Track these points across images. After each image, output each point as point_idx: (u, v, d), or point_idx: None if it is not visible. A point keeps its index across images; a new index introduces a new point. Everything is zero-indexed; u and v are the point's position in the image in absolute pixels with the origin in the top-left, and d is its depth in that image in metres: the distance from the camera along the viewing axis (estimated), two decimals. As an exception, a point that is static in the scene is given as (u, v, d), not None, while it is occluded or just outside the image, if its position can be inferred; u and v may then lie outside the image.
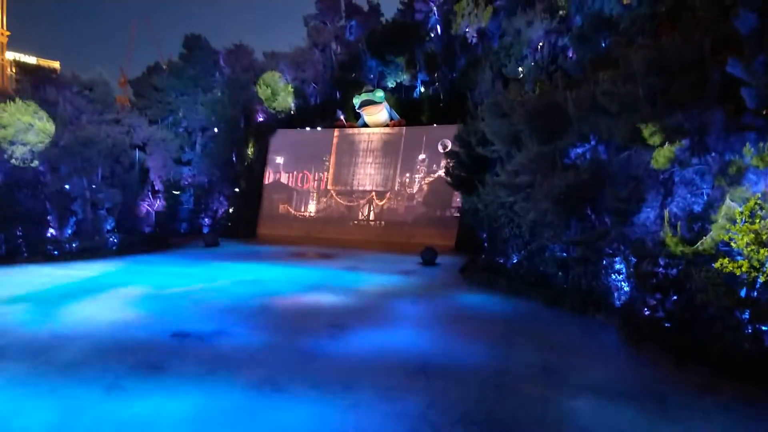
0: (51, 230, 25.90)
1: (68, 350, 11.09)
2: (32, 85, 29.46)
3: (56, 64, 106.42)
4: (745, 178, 10.92)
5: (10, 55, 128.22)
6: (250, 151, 39.14)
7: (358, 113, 36.77)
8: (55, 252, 25.00)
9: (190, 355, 11.06)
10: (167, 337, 12.32)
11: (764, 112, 11.21)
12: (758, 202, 10.21)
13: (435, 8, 39.97)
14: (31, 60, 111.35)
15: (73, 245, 25.65)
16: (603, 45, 21.53)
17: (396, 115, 36.84)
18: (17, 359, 10.49)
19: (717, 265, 10.50)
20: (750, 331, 10.32)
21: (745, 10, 11.06)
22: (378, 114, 36.07)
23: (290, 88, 39.56)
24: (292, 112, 40.83)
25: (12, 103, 24.08)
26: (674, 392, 9.49)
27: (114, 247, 26.98)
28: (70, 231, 26.07)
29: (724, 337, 10.41)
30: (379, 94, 35.33)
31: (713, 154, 11.98)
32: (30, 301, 15.78)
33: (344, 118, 38.74)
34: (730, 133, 11.58)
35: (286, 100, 39.33)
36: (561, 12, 27.24)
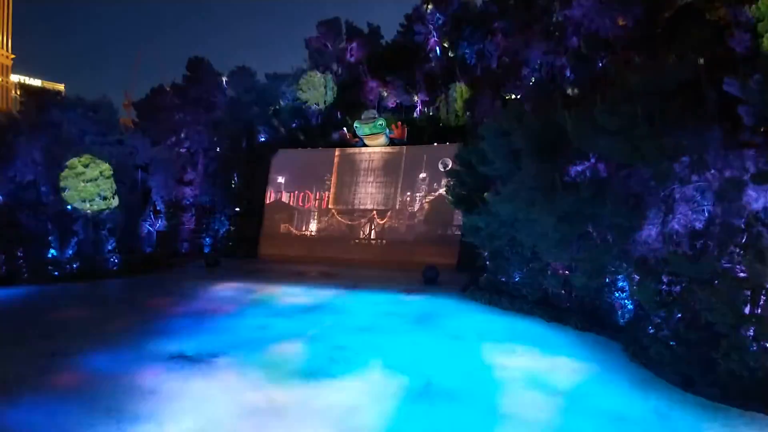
0: (52, 251, 25.87)
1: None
2: (36, 107, 29.82)
3: (61, 87, 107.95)
4: (746, 195, 10.94)
5: (15, 78, 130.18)
6: (251, 171, 39.29)
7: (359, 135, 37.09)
8: (56, 273, 24.93)
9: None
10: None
11: (762, 130, 11.31)
12: (759, 218, 10.21)
13: (434, 30, 40.64)
14: (36, 83, 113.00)
15: (74, 266, 25.58)
16: (600, 65, 21.86)
17: (391, 131, 37.08)
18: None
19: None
20: (755, 348, 10.21)
21: (740, 31, 11.27)
22: (378, 140, 36.61)
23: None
24: (292, 131, 41.18)
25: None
26: (682, 414, 9.34)
27: (115, 268, 26.89)
28: (71, 251, 26.04)
29: (729, 356, 10.29)
30: (381, 124, 35.69)
31: (713, 171, 12.03)
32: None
33: (346, 131, 39.00)
34: (728, 151, 11.64)
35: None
36: (558, 33, 27.68)
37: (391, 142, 36.83)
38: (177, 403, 9.88)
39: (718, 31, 13.38)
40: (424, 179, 34.71)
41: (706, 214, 12.30)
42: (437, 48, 40.69)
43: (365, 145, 37.49)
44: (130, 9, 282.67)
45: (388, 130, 36.29)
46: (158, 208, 33.08)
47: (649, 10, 19.96)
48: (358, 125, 36.17)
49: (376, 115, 36.72)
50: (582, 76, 22.11)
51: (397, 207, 35.02)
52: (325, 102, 39.83)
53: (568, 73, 25.95)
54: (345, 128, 39.11)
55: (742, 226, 10.79)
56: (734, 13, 12.16)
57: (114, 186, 26.36)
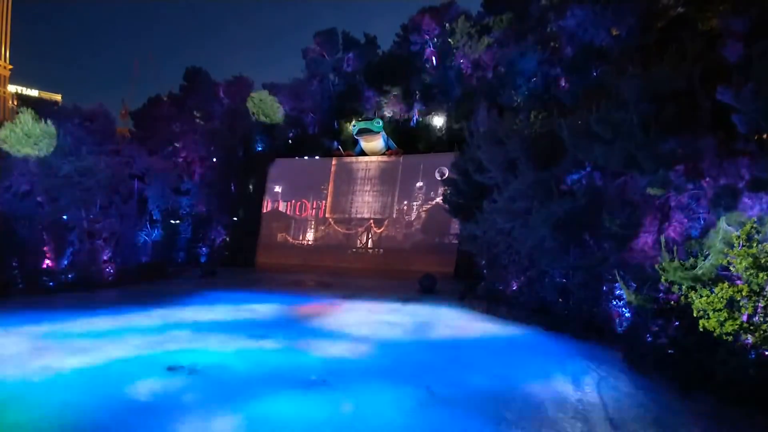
0: (47, 261, 25.70)
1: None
2: (33, 117, 29.76)
3: (58, 97, 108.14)
4: (740, 203, 11.01)
5: (12, 89, 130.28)
6: (248, 180, 39.37)
7: (356, 140, 37.20)
8: (51, 283, 24.74)
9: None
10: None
11: (756, 138, 11.41)
12: (754, 226, 10.26)
13: (430, 40, 41.04)
14: (33, 93, 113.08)
15: (69, 276, 25.40)
16: (594, 74, 22.06)
17: (393, 144, 37.26)
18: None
19: (717, 289, 10.47)
20: (753, 356, 10.20)
21: (732, 40, 11.42)
22: (375, 142, 36.54)
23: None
24: (290, 141, 41.32)
25: (13, 133, 24.27)
26: (681, 422, 9.30)
27: (110, 278, 26.72)
28: (66, 262, 25.87)
29: (728, 364, 10.27)
30: (378, 123, 35.81)
31: (707, 179, 12.12)
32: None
33: (341, 148, 39.19)
34: (723, 159, 11.74)
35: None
36: (553, 43, 27.99)
37: (387, 148, 37.09)
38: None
39: (711, 40, 13.54)
40: (420, 188, 34.81)
41: (702, 222, 12.37)
42: (433, 58, 41.05)
43: (362, 153, 37.64)
44: (127, 20, 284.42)
45: (385, 135, 36.40)
46: (154, 217, 32.99)
47: (643, 20, 20.23)
48: (355, 124, 36.23)
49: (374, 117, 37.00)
50: (576, 85, 22.30)
51: (394, 216, 35.07)
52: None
53: (563, 83, 26.18)
54: (339, 147, 39.34)
55: (738, 233, 10.83)
56: (726, 23, 12.33)
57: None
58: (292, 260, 35.81)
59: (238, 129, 39.98)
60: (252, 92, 39.74)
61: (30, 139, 24.49)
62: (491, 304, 19.33)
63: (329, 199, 37.59)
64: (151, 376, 11.29)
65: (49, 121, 25.13)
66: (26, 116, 24.62)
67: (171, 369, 11.88)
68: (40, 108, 31.06)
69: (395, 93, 39.45)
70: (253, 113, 39.02)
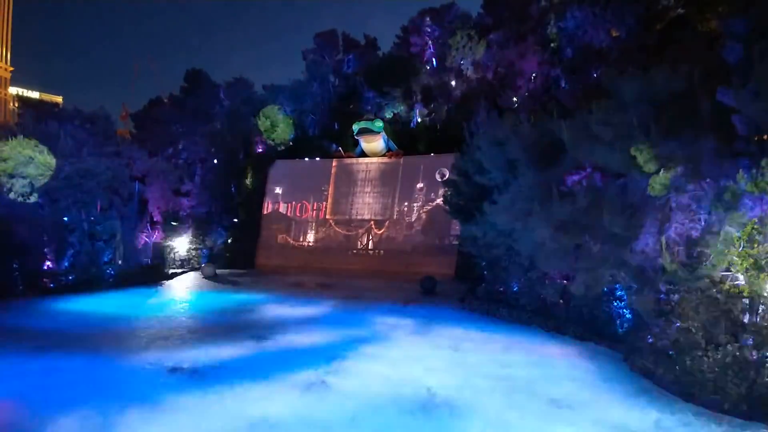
0: (48, 262, 25.69)
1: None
2: (34, 118, 29.83)
3: (59, 99, 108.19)
4: (741, 204, 10.99)
5: (13, 90, 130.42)
6: (248, 181, 39.38)
7: (356, 140, 37.21)
8: (51, 285, 24.73)
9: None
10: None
11: (756, 139, 11.40)
12: (755, 227, 10.26)
13: (430, 42, 41.06)
14: (34, 95, 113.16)
15: (70, 278, 25.39)
16: (594, 75, 22.08)
17: (394, 146, 37.25)
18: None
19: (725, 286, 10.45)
20: (754, 357, 10.18)
21: (732, 41, 11.41)
22: (375, 143, 36.53)
23: (290, 120, 40.18)
24: (290, 143, 41.34)
25: (13, 137, 24.33)
26: (681, 424, 9.28)
27: (111, 279, 26.70)
28: (66, 263, 25.86)
29: (729, 366, 10.25)
30: (378, 123, 35.81)
31: (708, 180, 12.09)
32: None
33: (341, 150, 39.19)
34: (723, 160, 11.72)
35: (286, 132, 39.84)
36: (552, 44, 28.01)
37: (388, 149, 37.06)
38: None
39: (711, 41, 13.55)
40: (421, 189, 34.79)
41: (702, 223, 12.34)
42: (433, 59, 41.08)
43: (363, 154, 37.63)
44: (128, 20, 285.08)
45: (385, 136, 36.37)
46: (155, 219, 32.99)
47: (642, 22, 20.27)
48: (355, 125, 36.15)
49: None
50: (576, 86, 22.34)
51: (395, 217, 35.05)
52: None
53: (562, 84, 26.21)
54: (340, 149, 39.34)
55: (739, 234, 10.83)
56: (725, 24, 12.33)
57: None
58: (293, 262, 35.79)
59: (238, 130, 39.99)
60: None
61: (31, 141, 24.53)
62: (492, 305, 19.32)
63: (329, 200, 37.59)
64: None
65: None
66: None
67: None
68: (41, 110, 31.16)
69: (395, 94, 39.45)
70: (254, 117, 38.96)
